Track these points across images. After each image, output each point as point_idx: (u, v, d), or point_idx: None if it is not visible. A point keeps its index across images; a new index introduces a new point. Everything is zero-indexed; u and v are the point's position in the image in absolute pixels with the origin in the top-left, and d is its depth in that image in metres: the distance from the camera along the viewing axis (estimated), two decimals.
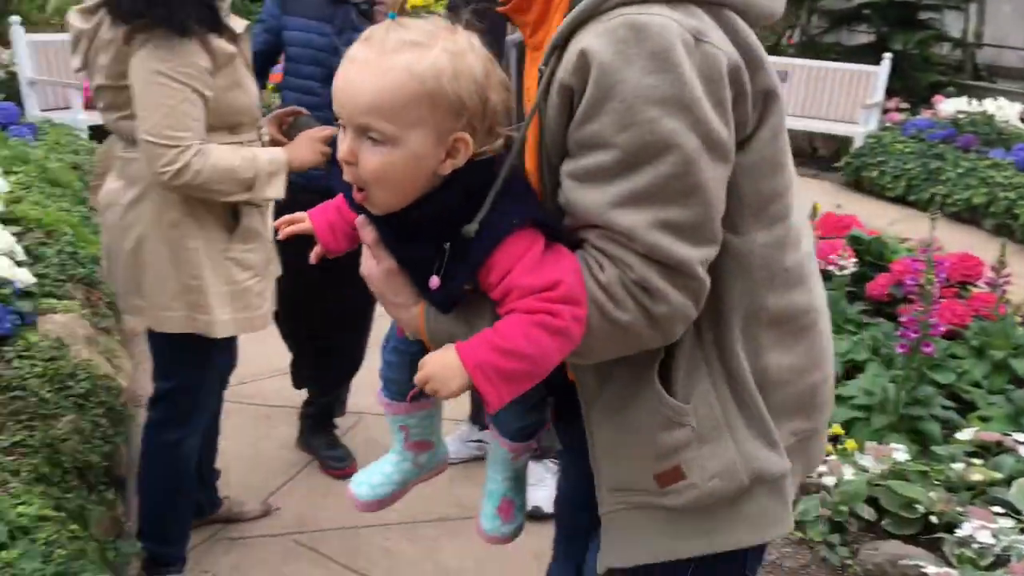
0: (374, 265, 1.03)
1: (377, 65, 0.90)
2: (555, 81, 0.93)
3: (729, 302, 0.99)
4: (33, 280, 2.80)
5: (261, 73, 2.49)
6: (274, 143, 2.07)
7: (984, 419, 2.60)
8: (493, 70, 0.95)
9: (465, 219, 0.92)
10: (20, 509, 1.68)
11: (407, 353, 1.13)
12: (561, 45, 0.93)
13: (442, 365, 0.93)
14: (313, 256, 1.14)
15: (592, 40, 0.89)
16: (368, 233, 1.02)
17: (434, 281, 0.95)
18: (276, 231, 1.18)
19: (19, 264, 2.91)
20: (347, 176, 0.95)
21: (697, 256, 0.91)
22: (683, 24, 0.88)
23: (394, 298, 1.03)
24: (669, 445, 1.00)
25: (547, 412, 1.23)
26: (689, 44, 0.87)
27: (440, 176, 0.94)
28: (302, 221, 1.15)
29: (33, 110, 6.14)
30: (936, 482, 2.18)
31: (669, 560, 1.05)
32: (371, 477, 1.23)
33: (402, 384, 1.15)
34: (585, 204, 0.92)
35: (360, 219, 1.03)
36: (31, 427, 2.01)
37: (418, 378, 0.95)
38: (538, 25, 1.01)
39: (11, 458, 1.89)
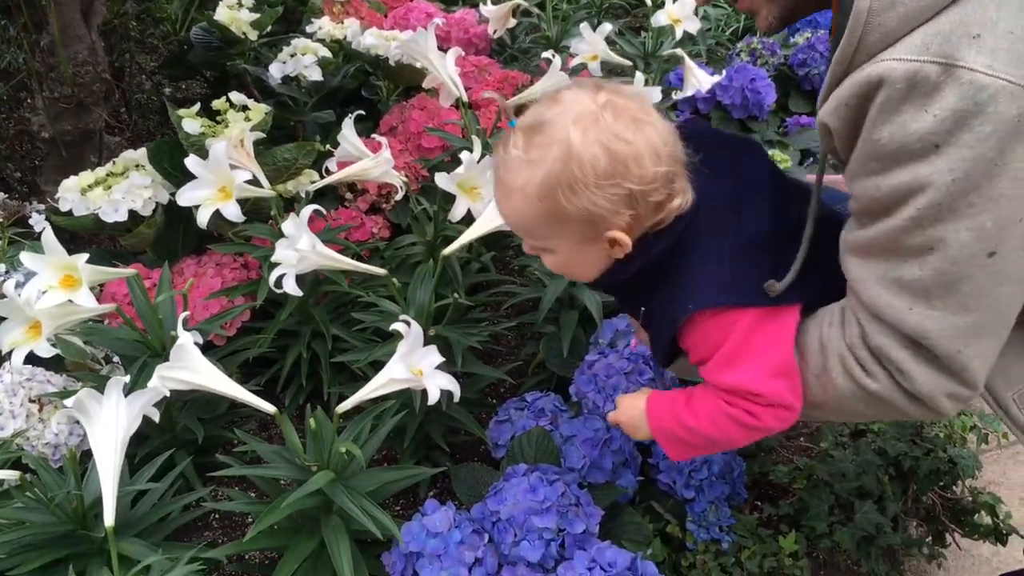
0: None
1: (503, 190, 0.91)
2: None
3: None
4: None
5: None
6: None
7: None
8: (632, 145, 0.84)
9: (663, 283, 0.92)
10: None
11: None
12: None
13: (630, 416, 1.03)
14: None
15: None
16: None
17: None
18: None
19: None
20: None
21: (946, 329, 0.78)
22: None
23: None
24: None
25: None
26: None
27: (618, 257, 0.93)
28: None
29: None
30: None
31: None
32: None
33: None
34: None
35: None
36: None
37: (609, 418, 1.06)
38: None
39: None
